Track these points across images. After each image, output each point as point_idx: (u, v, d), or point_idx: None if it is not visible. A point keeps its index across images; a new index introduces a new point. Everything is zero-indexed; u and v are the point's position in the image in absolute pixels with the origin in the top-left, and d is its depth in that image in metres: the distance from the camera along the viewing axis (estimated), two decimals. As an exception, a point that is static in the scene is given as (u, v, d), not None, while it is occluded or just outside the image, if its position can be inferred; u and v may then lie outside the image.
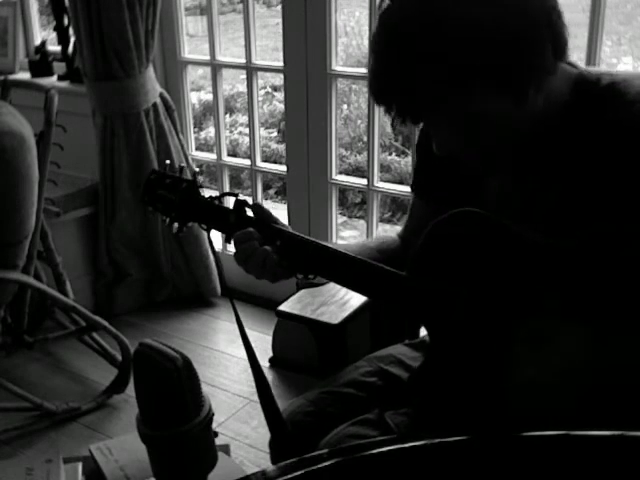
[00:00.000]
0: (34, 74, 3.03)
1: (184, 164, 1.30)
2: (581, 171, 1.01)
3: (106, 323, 2.30)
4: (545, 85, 0.99)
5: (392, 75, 0.98)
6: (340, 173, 2.66)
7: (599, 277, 0.96)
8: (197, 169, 1.23)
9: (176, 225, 1.25)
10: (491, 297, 1.02)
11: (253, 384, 1.14)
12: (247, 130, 3.98)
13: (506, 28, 0.92)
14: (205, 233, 1.27)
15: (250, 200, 1.19)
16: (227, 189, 2.97)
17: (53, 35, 3.00)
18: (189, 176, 1.26)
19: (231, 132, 4.99)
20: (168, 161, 1.32)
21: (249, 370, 1.16)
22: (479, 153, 1.06)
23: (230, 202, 1.20)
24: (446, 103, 0.97)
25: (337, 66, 2.47)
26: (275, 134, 5.05)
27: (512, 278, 1.02)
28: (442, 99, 0.97)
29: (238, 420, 2.24)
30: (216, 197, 1.22)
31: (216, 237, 1.78)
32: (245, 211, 1.19)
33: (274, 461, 1.28)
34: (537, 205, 1.07)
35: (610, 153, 0.98)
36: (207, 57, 2.79)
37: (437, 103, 0.98)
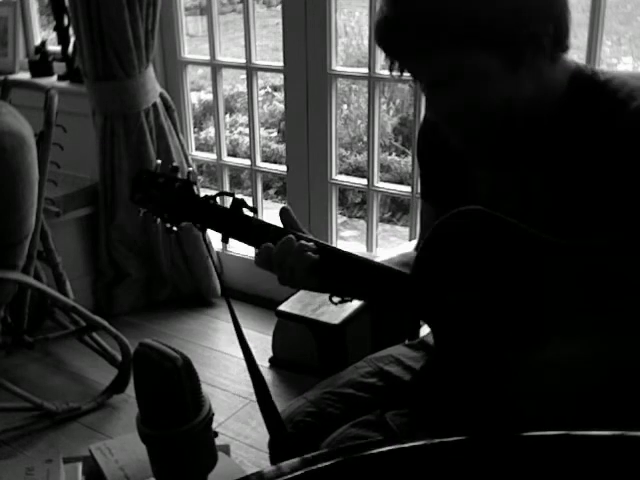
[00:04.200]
0: (34, 74, 3.03)
1: (177, 164, 1.27)
2: (575, 165, 1.02)
3: (106, 323, 2.30)
4: (541, 69, 1.01)
5: (396, 17, 1.00)
6: (340, 173, 2.66)
7: (607, 274, 0.97)
8: (191, 168, 1.18)
9: (168, 225, 1.22)
10: (498, 296, 1.02)
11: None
12: (247, 130, 3.97)
13: None
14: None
15: (248, 199, 1.18)
16: (227, 189, 2.97)
17: (53, 35, 3.00)
18: (183, 176, 1.22)
19: (231, 132, 4.98)
20: (159, 161, 1.28)
21: (249, 370, 1.16)
22: (464, 121, 1.06)
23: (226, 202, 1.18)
24: (431, 51, 0.99)
25: (337, 66, 2.47)
26: (275, 134, 5.05)
27: (519, 276, 1.01)
28: (437, 46, 0.98)
29: (238, 420, 2.23)
30: (212, 196, 1.20)
31: (214, 237, 1.76)
32: (242, 210, 1.17)
33: (273, 462, 1.28)
34: (533, 200, 1.07)
35: (603, 149, 0.99)
36: (207, 57, 2.79)
37: (430, 49, 0.99)
